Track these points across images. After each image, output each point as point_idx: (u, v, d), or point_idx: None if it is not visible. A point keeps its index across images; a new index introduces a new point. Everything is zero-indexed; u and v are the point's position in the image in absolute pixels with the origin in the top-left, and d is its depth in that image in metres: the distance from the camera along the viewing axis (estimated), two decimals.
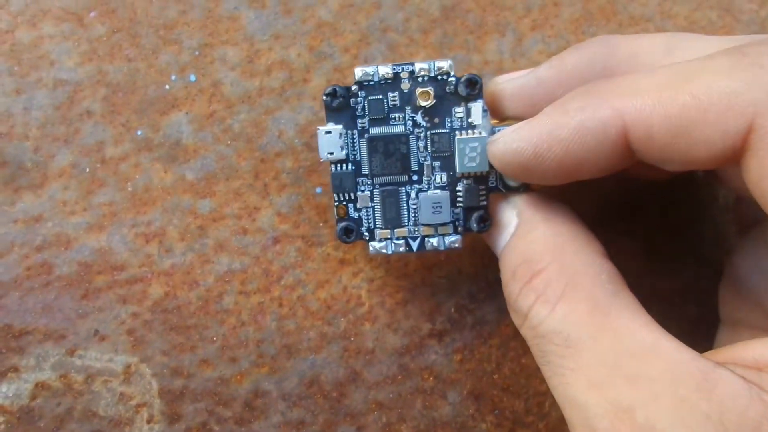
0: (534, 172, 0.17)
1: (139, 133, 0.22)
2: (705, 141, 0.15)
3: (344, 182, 0.19)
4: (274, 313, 0.22)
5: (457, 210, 0.19)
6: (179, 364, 0.21)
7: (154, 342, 0.21)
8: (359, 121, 0.19)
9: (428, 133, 0.19)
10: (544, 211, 0.18)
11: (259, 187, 0.22)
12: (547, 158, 0.16)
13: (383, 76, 0.19)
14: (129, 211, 0.22)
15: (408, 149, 0.19)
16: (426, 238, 0.20)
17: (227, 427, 0.21)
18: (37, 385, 0.21)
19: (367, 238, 0.20)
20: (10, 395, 0.21)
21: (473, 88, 0.19)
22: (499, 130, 0.19)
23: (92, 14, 0.23)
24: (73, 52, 0.23)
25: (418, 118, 0.19)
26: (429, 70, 0.19)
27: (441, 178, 0.19)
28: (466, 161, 0.19)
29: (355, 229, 0.19)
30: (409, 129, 0.19)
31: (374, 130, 0.19)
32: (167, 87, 0.23)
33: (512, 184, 0.19)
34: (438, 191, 0.19)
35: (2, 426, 0.20)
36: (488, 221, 0.19)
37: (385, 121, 0.19)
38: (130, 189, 0.22)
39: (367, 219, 0.20)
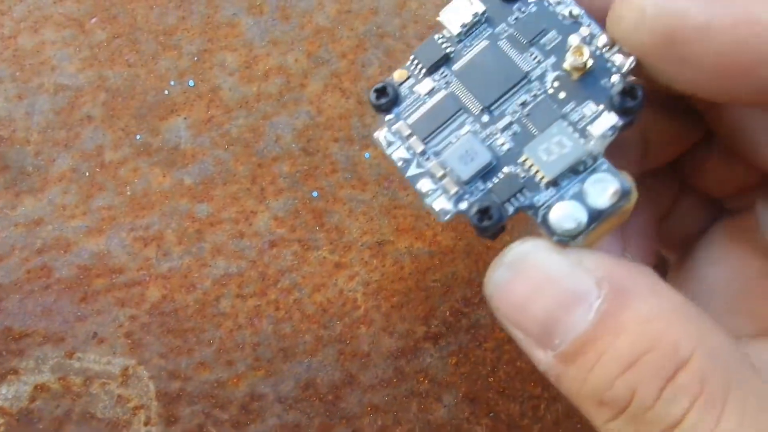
0: (679, 51, 0.13)
1: (138, 137, 0.23)
2: None
3: (432, 54, 0.16)
4: (271, 317, 0.22)
5: (482, 186, 0.15)
6: (176, 367, 0.22)
7: (152, 345, 0.22)
8: (502, 26, 0.16)
9: (540, 95, 0.15)
10: (636, 277, 0.13)
11: (256, 192, 0.23)
12: (722, 41, 0.12)
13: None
14: (128, 215, 0.22)
15: (506, 89, 0.15)
16: (421, 178, 0.15)
17: (224, 430, 0.22)
18: (36, 387, 0.21)
19: (387, 116, 0.16)
20: (10, 397, 0.21)
21: (628, 106, 0.14)
22: (606, 166, 0.14)
23: (93, 20, 0.23)
24: (74, 57, 0.23)
25: (550, 76, 0.15)
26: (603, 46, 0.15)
27: (503, 142, 0.15)
28: (541, 149, 0.14)
29: (390, 95, 0.16)
30: (532, 76, 0.16)
31: (503, 45, 0.16)
32: (166, 92, 0.23)
33: (565, 229, 0.14)
34: (483, 146, 0.15)
35: (2, 428, 0.21)
36: (491, 221, 0.14)
37: (523, 47, 0.16)
38: (129, 193, 0.22)
39: (407, 104, 0.16)
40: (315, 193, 0.23)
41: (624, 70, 0.15)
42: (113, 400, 0.21)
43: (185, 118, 0.23)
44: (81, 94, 0.23)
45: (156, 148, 0.23)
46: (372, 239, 0.23)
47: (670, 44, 0.13)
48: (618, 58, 0.15)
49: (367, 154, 0.23)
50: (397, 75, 0.16)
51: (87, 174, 0.22)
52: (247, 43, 0.23)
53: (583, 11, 0.15)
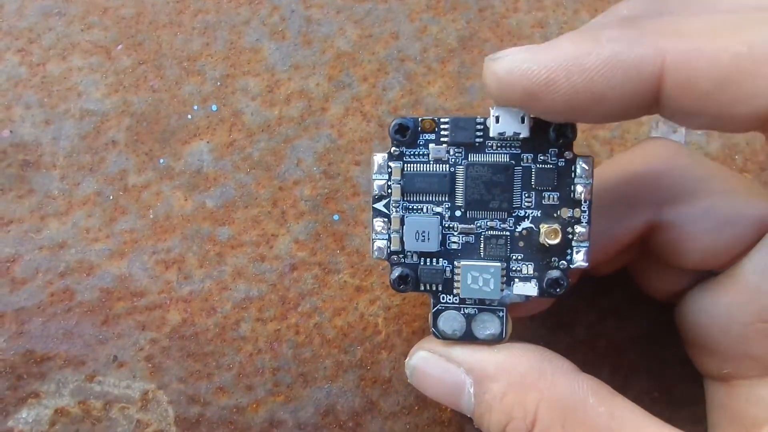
0: (538, 103, 0.15)
1: (161, 161, 0.23)
2: (751, 96, 0.13)
3: (464, 136, 0.17)
4: (291, 341, 0.22)
5: (416, 260, 0.17)
6: (195, 392, 0.21)
7: (171, 369, 0.22)
8: (529, 156, 0.17)
9: (507, 232, 0.17)
10: (488, 360, 0.17)
11: (277, 215, 0.23)
12: (562, 88, 0.14)
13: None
14: (150, 239, 0.22)
15: (490, 207, 0.17)
16: (380, 217, 0.17)
17: None
18: (56, 411, 0.21)
19: (394, 149, 0.17)
20: (30, 421, 0.21)
21: (549, 292, 0.17)
22: (501, 314, 0.18)
23: (119, 47, 0.24)
24: (100, 83, 0.23)
25: (525, 223, 0.17)
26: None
27: (455, 242, 0.17)
28: (471, 273, 0.17)
29: (407, 139, 0.17)
30: (514, 212, 0.17)
31: (516, 174, 0.17)
32: (189, 116, 0.23)
33: (444, 332, 0.17)
34: (438, 236, 0.17)
35: None
36: (403, 287, 0.17)
37: (528, 187, 0.17)
38: (151, 216, 0.22)
39: (414, 152, 0.17)
40: (336, 217, 0.23)
41: (573, 265, 0.17)
42: (132, 425, 0.21)
43: (208, 142, 0.23)
44: (106, 119, 0.23)
45: (178, 171, 0.23)
46: None
47: (528, 97, 0.15)
48: (579, 257, 0.17)
49: None
50: (427, 124, 0.17)
51: (111, 197, 0.22)
52: (270, 68, 0.24)
53: (588, 200, 0.16)
